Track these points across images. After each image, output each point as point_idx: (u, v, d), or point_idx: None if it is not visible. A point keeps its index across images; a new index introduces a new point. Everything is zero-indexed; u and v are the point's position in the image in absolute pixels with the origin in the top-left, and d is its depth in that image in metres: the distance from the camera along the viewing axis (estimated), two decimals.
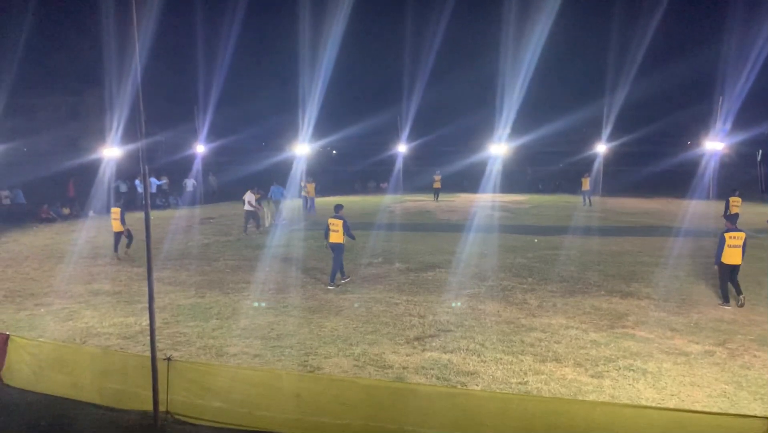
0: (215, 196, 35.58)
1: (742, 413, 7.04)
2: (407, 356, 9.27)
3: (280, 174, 32.44)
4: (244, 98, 49.27)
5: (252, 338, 10.18)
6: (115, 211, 17.73)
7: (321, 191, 36.03)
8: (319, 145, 46.76)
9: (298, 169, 32.31)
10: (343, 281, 14.12)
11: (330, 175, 43.23)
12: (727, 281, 12.32)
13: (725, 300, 12.27)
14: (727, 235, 12.27)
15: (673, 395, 7.87)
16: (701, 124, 36.99)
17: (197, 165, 35.16)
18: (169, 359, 7.49)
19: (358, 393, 6.89)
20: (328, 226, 14.20)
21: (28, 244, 20.91)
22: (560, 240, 20.01)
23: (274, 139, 42.84)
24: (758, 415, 6.12)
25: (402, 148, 41.63)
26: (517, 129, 39.69)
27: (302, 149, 33.68)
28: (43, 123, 48.43)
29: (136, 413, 7.48)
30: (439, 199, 35.53)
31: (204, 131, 36.47)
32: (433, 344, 9.82)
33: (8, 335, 8.75)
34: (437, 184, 35.88)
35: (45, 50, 41.35)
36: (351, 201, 34.50)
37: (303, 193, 28.63)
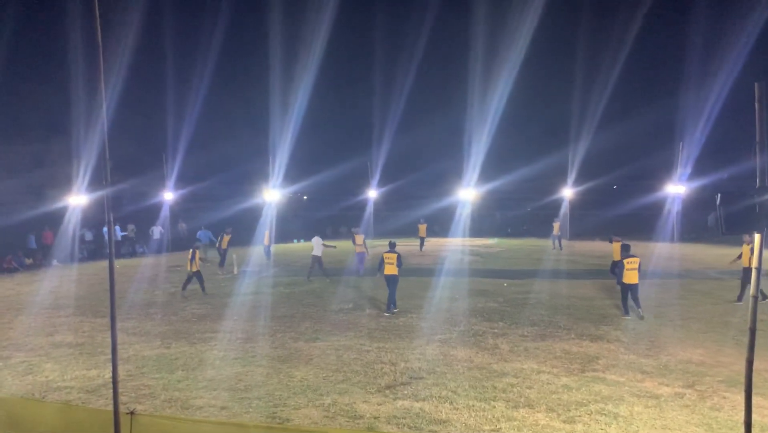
0: (184, 243, 35.12)
1: None
2: (378, 405, 9.11)
3: (251, 219, 32.31)
4: (214, 145, 49.17)
5: (219, 390, 9.91)
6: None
7: (293, 236, 35.88)
8: (290, 191, 46.78)
9: (269, 216, 32.22)
10: (394, 311, 15.71)
11: (301, 221, 43.14)
12: (627, 298, 15.15)
13: (626, 312, 15.07)
14: (625, 261, 15.07)
15: None
16: (663, 169, 38.12)
17: (165, 212, 34.80)
18: (132, 412, 7.22)
19: None
20: (383, 259, 15.98)
21: None
22: (530, 284, 20.15)
23: (243, 185, 42.78)
24: None
25: (372, 193, 41.92)
26: (486, 174, 40.32)
27: (272, 195, 33.64)
28: (6, 172, 47.48)
29: None
30: (423, 249, 32.80)
31: (172, 178, 36.23)
32: (405, 391, 9.68)
33: None
34: (422, 233, 33.18)
35: (9, 99, 40.87)
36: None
37: (265, 242, 27.87)
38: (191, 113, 39.72)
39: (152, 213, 35.37)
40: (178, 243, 35.07)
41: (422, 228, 33.45)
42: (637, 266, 15.06)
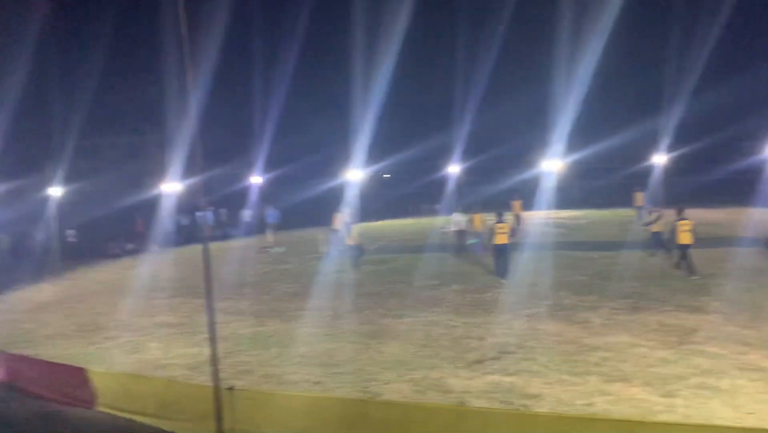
0: (273, 225, 36.21)
1: None
2: (468, 379, 9.14)
3: (334, 200, 32.93)
4: (299, 129, 50.31)
5: (312, 365, 10.25)
6: None
7: (375, 216, 36.22)
8: (372, 170, 47.17)
9: (350, 195, 32.66)
10: (502, 281, 16.07)
11: (383, 200, 43.44)
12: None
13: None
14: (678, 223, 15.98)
15: (750, 414, 7.48)
16: (759, 132, 35.53)
17: (253, 195, 35.94)
18: (231, 388, 7.61)
19: (421, 416, 6.82)
20: (493, 230, 16.54)
21: (97, 279, 21.76)
22: (620, 255, 19.40)
23: (327, 166, 43.63)
24: None
25: (454, 169, 41.51)
26: (571, 144, 38.99)
27: (354, 175, 34.06)
28: (106, 163, 50.71)
29: None
30: (519, 226, 28.05)
31: (260, 162, 37.34)
32: (494, 366, 9.65)
33: (84, 368, 9.14)
34: (517, 210, 29.00)
35: (107, 94, 43.42)
36: (404, 224, 34.60)
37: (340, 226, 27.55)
38: (277, 101, 40.75)
39: (242, 197, 36.64)
40: (266, 226, 36.18)
41: (517, 205, 29.90)
42: (689, 228, 15.96)
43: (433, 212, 41.13)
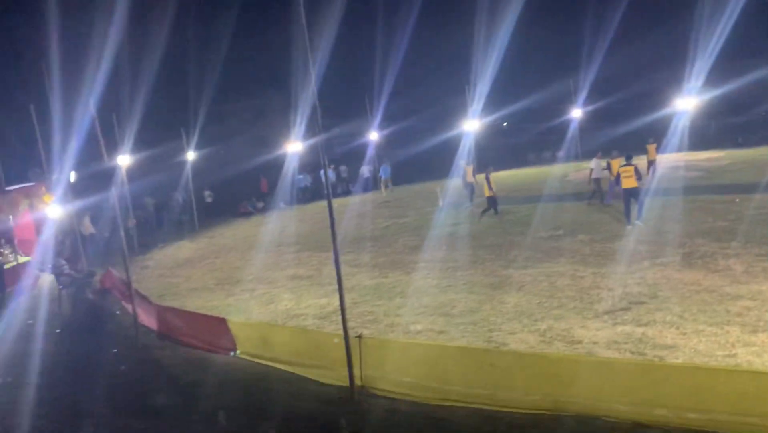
0: (386, 180, 36.71)
1: None
2: (597, 330, 8.88)
3: (451, 151, 32.75)
4: (417, 82, 50.05)
5: (435, 315, 10.40)
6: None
7: (494, 166, 35.64)
8: (490, 119, 46.18)
9: (466, 146, 32.30)
10: (637, 223, 15.68)
11: (501, 150, 42.55)
12: None
13: None
14: None
15: None
16: (669, 85, 30.94)
17: (371, 151, 36.46)
18: (360, 336, 7.91)
19: (549, 367, 6.74)
20: (619, 174, 16.18)
21: (232, 236, 23.27)
22: (766, 198, 17.76)
23: (444, 118, 43.30)
24: None
25: (576, 113, 39.60)
26: (711, 79, 35.71)
27: (472, 126, 33.55)
28: (234, 126, 53.54)
29: (334, 387, 8.01)
30: (655, 173, 25.30)
31: (377, 119, 37.68)
32: (625, 317, 9.29)
33: (225, 318, 9.92)
34: (652, 155, 25.96)
35: (233, 61, 45.49)
36: (526, 173, 33.69)
37: (468, 179, 26.88)
38: (395, 56, 40.73)
39: (361, 154, 37.33)
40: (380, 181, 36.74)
41: (651, 149, 26.74)
42: None
43: (554, 160, 39.73)
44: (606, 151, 21.81)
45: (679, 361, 7.48)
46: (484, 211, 19.56)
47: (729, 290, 9.97)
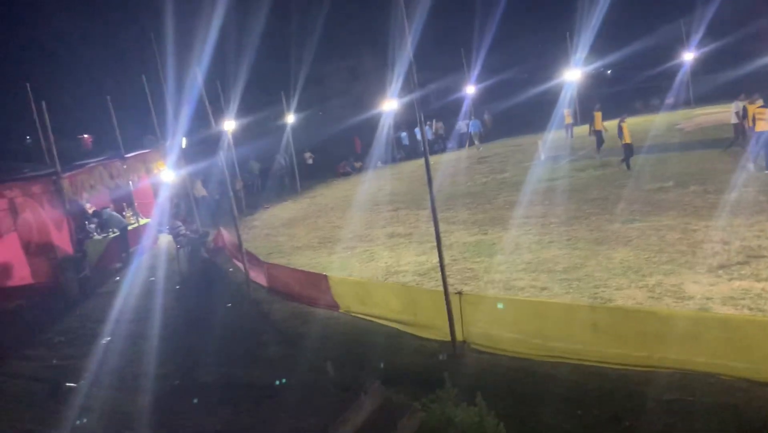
0: (489, 135, 36.01)
1: None
2: (711, 285, 8.43)
3: (550, 103, 31.66)
4: (516, 33, 48.40)
5: (537, 272, 10.25)
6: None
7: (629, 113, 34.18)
8: (592, 67, 44.05)
9: (567, 97, 31.08)
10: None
11: (606, 99, 40.64)
12: None
13: None
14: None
15: None
16: None
17: (467, 106, 35.85)
18: (460, 293, 7.96)
19: (657, 324, 6.52)
20: (755, 116, 15.52)
21: (332, 196, 23.86)
22: None
23: (543, 69, 41.77)
24: None
25: (688, 56, 36.87)
26: None
27: (573, 75, 32.18)
28: (330, 89, 54.25)
29: (436, 342, 8.15)
30: None
31: (475, 72, 36.93)
32: (742, 272, 8.75)
33: (328, 275, 10.28)
34: None
35: (329, 22, 45.82)
36: (634, 123, 31.88)
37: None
38: (493, 6, 39.63)
39: (458, 108, 36.80)
40: (485, 135, 36.10)
41: None
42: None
43: (663, 108, 37.35)
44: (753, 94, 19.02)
45: None
46: (623, 161, 18.54)
47: None
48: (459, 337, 7.85)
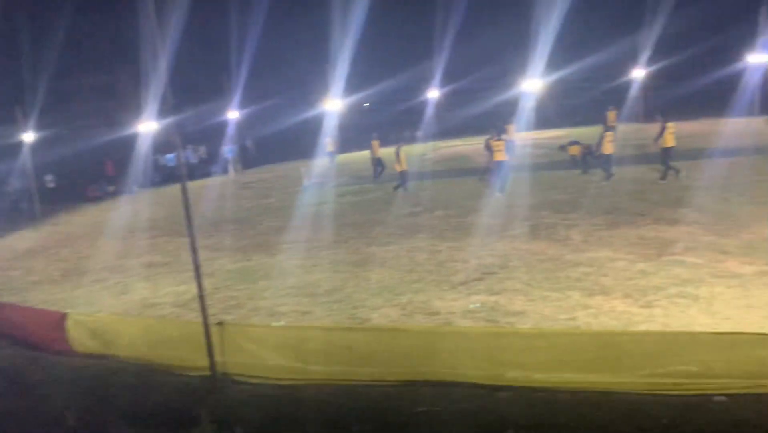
0: (254, 160, 35.88)
1: None
2: (453, 301, 9.33)
3: (313, 131, 32.68)
4: (279, 61, 48.99)
5: (300, 296, 10.39)
6: None
7: (356, 146, 36.04)
8: (351, 100, 46.52)
9: (329, 126, 32.47)
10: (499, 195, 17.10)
11: (362, 129, 43.14)
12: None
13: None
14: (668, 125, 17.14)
15: (726, 318, 7.73)
16: (740, 41, 35.18)
17: (231, 131, 35.41)
18: (220, 323, 7.71)
19: (407, 340, 6.99)
20: (492, 147, 17.78)
21: (79, 223, 21.65)
22: (603, 172, 19.48)
23: (306, 98, 43.04)
24: None
25: (434, 94, 40.96)
26: (550, 64, 38.38)
27: (333, 105, 33.62)
28: (80, 105, 49.48)
29: (195, 377, 7.76)
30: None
31: (237, 97, 36.59)
32: (479, 287, 9.84)
33: (66, 313, 9.14)
34: (512, 134, 25.26)
35: (77, 36, 41.80)
36: (386, 153, 34.30)
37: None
38: (255, 34, 39.47)
39: (222, 133, 36.08)
40: (248, 161, 35.88)
41: (511, 128, 26.41)
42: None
43: (414, 139, 40.83)
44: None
45: (527, 326, 8.07)
46: (397, 187, 19.62)
47: (570, 258, 10.88)
48: (220, 369, 7.58)
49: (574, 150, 20.41)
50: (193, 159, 34.05)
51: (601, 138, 18.09)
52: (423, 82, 42.30)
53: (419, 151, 31.81)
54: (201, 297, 7.51)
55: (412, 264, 11.53)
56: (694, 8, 40.08)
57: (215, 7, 46.46)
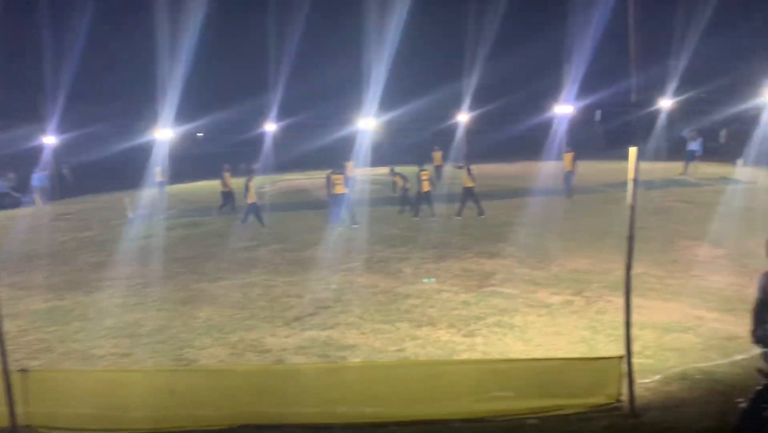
0: (72, 190, 33.06)
1: (599, 355, 7.62)
2: (286, 337, 9.20)
3: (142, 160, 30.93)
4: (102, 85, 45.85)
5: (120, 337, 9.63)
6: None
7: (187, 177, 34.73)
8: (184, 129, 44.92)
9: (159, 155, 30.94)
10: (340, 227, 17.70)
11: (196, 160, 41.77)
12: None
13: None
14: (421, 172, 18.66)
15: (538, 345, 8.42)
16: (551, 91, 39.56)
17: (47, 158, 32.42)
18: (24, 370, 6.90)
19: (235, 381, 6.75)
20: (333, 181, 18.27)
21: None
22: (431, 209, 20.44)
23: (134, 124, 40.64)
24: (613, 355, 6.68)
25: (271, 126, 40.81)
26: (385, 104, 40.15)
27: (163, 134, 32.17)
28: None
29: None
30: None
31: (54, 121, 33.58)
32: (313, 322, 9.81)
33: None
34: (351, 172, 25.52)
35: None
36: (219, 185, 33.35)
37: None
38: (76, 49, 36.61)
39: (34, 161, 32.81)
40: (65, 190, 33.01)
41: (350, 165, 26.93)
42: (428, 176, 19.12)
43: (251, 172, 40.19)
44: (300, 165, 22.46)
45: (358, 360, 8.16)
46: (245, 218, 19.21)
47: (400, 290, 11.26)
48: (23, 421, 6.74)
49: (399, 180, 21.15)
50: (2, 187, 30.57)
51: (418, 177, 18.94)
52: (260, 115, 42.03)
53: (257, 184, 31.32)
54: (1, 341, 6.67)
55: (245, 300, 11.22)
56: (507, 60, 44.28)
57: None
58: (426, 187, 18.87)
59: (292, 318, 10.07)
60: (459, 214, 18.49)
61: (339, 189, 18.40)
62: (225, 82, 51.61)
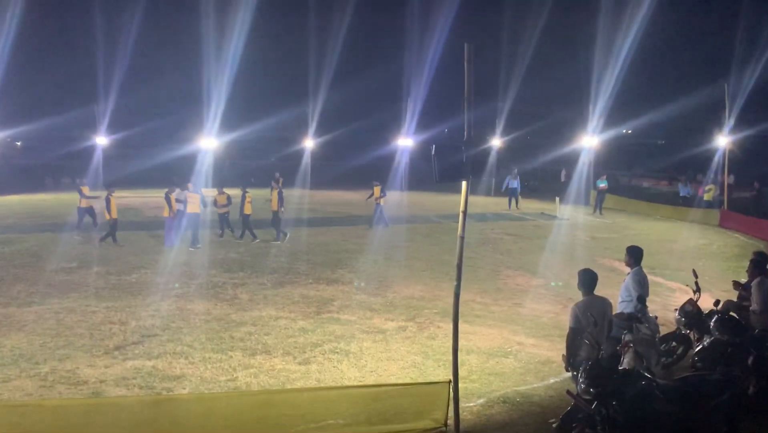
0: None
1: (428, 380, 7.87)
2: (106, 367, 8.46)
3: None
4: None
5: None
6: None
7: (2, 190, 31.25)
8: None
9: None
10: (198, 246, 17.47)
11: (15, 171, 37.86)
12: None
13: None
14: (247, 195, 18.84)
15: (372, 372, 8.53)
16: (394, 125, 41.26)
17: None
18: None
19: (43, 417, 6.05)
20: (186, 199, 17.81)
21: None
22: (266, 234, 20.07)
23: None
24: (441, 380, 6.93)
25: (101, 140, 38.08)
26: (226, 124, 39.27)
27: None
28: None
29: None
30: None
31: None
32: (136, 351, 9.13)
33: None
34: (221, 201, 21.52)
35: None
36: (40, 199, 30.41)
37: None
38: None
39: None
40: None
41: (190, 186, 26.14)
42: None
43: (75, 187, 37.10)
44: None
45: (186, 391, 7.71)
46: (106, 237, 17.65)
47: (235, 317, 10.88)
48: None
49: (221, 198, 20.07)
50: None
51: (243, 200, 18.92)
52: (87, 127, 39.12)
53: (70, 201, 28.91)
54: None
55: (60, 327, 10.17)
56: (352, 89, 45.54)
57: None
58: (248, 210, 18.97)
59: (114, 347, 9.30)
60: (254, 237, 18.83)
61: (192, 208, 17.96)
62: (49, 89, 47.65)
